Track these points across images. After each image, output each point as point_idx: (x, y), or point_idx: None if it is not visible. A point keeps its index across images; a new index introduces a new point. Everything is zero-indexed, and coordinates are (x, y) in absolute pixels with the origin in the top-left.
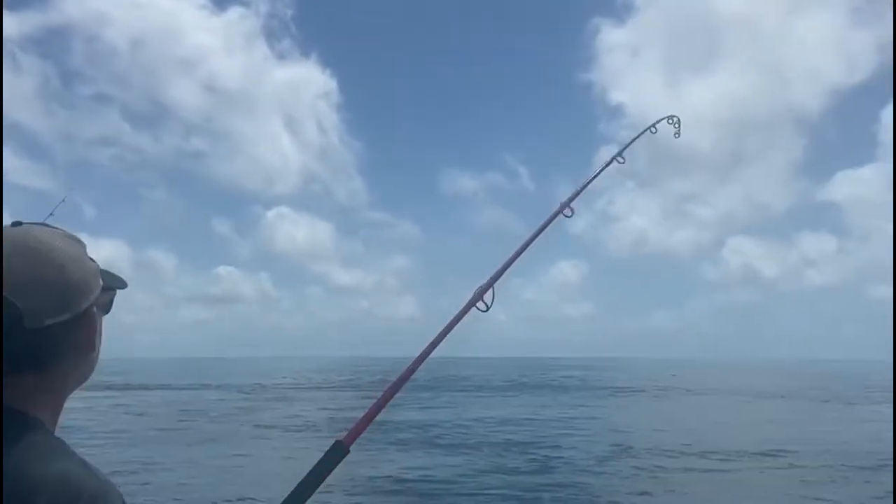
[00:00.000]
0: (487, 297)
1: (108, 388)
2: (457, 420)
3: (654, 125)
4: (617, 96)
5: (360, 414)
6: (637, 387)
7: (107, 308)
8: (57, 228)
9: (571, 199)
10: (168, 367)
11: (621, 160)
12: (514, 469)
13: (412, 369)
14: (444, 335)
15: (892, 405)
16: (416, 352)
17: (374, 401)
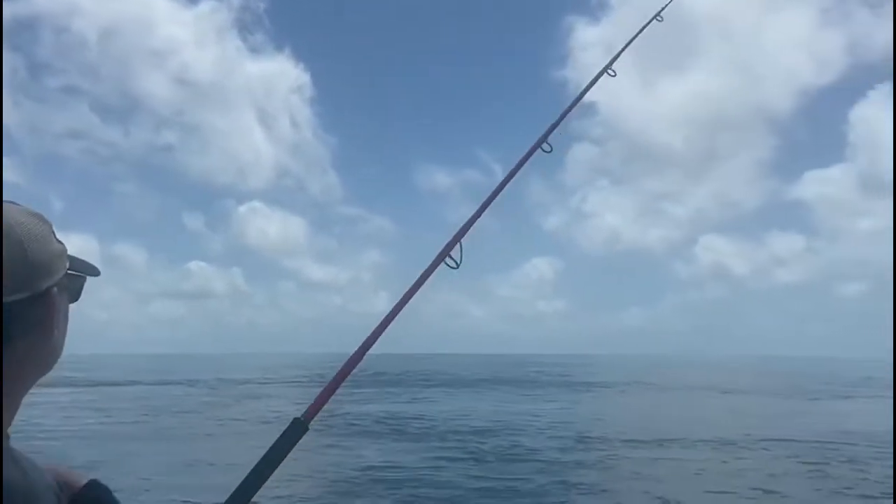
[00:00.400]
0: (455, 252)
1: (73, 384)
2: (425, 412)
3: None
4: (590, 94)
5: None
6: (607, 382)
7: (75, 294)
8: (22, 206)
9: (551, 130)
10: (138, 363)
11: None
12: (479, 458)
13: (375, 336)
14: (412, 294)
15: (892, 402)
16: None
17: (334, 374)
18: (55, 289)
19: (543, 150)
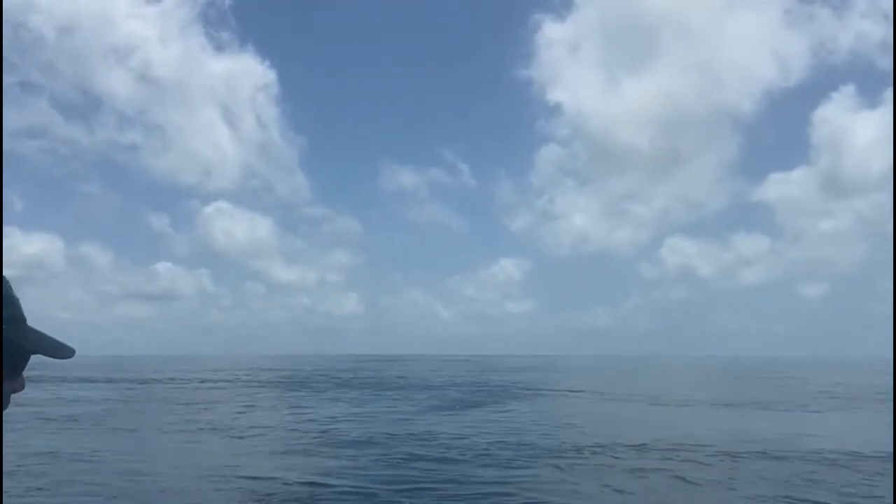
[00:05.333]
0: None
1: None
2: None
3: None
4: (555, 95)
5: None
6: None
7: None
8: None
9: None
10: (95, 364)
11: None
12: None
13: None
14: None
15: (891, 405)
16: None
17: None
18: None
19: None
